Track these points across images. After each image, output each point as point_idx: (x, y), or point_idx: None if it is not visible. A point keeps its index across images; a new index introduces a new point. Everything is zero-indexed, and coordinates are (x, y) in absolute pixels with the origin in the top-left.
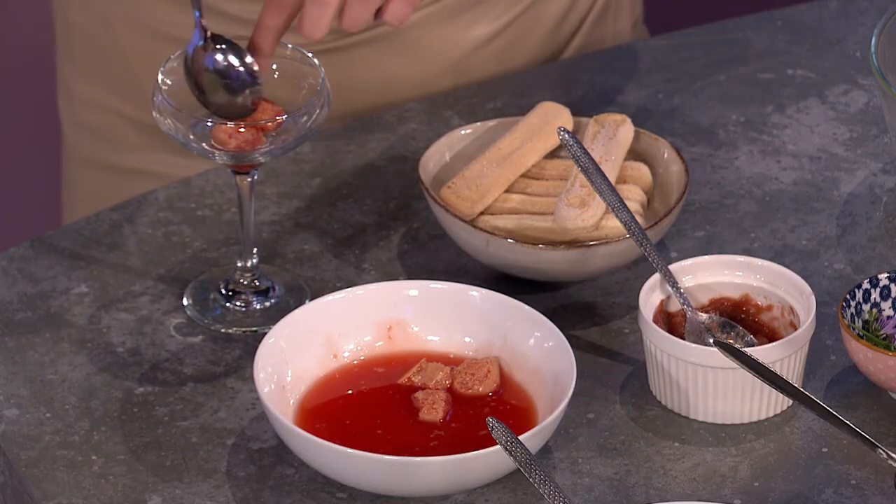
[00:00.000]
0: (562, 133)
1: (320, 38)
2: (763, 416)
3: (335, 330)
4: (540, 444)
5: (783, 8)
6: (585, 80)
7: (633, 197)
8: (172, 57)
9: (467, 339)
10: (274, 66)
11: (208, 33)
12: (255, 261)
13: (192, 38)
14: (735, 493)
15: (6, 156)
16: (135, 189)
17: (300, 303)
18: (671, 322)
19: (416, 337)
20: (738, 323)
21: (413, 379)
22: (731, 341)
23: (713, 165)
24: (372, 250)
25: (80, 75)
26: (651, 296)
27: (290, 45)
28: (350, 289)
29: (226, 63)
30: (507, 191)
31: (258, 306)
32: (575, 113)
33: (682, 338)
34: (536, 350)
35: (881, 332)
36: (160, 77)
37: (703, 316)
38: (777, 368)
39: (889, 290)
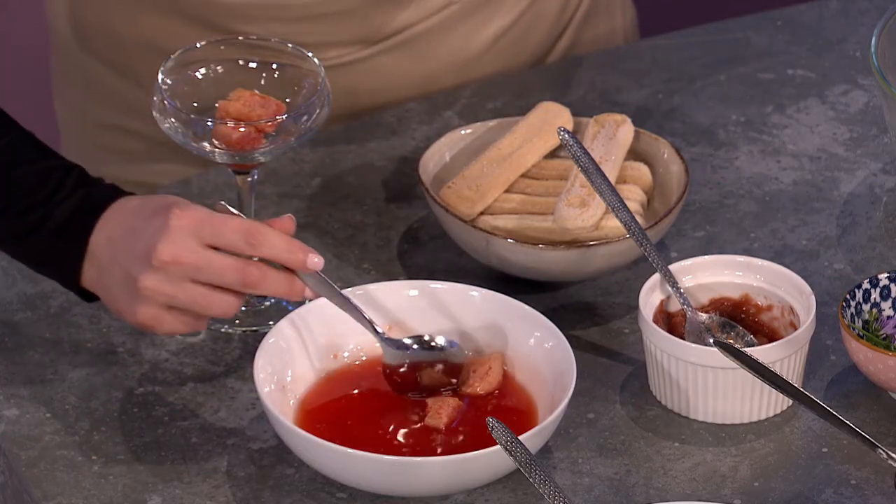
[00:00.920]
0: (562, 133)
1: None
2: (763, 416)
3: (335, 330)
4: (540, 444)
5: (783, 8)
6: (585, 80)
7: (633, 197)
8: (172, 56)
9: (467, 340)
10: (274, 66)
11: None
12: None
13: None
14: (735, 493)
15: None
16: None
17: (300, 303)
18: (671, 322)
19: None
20: (738, 323)
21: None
22: (731, 341)
23: (713, 165)
24: (372, 250)
25: (77, 87)
26: (651, 296)
27: (290, 45)
28: (350, 289)
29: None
30: (507, 191)
31: (258, 306)
32: (575, 113)
33: (682, 338)
34: (536, 350)
35: (881, 332)
36: (160, 77)
37: (703, 316)
38: (777, 368)
39: (889, 290)
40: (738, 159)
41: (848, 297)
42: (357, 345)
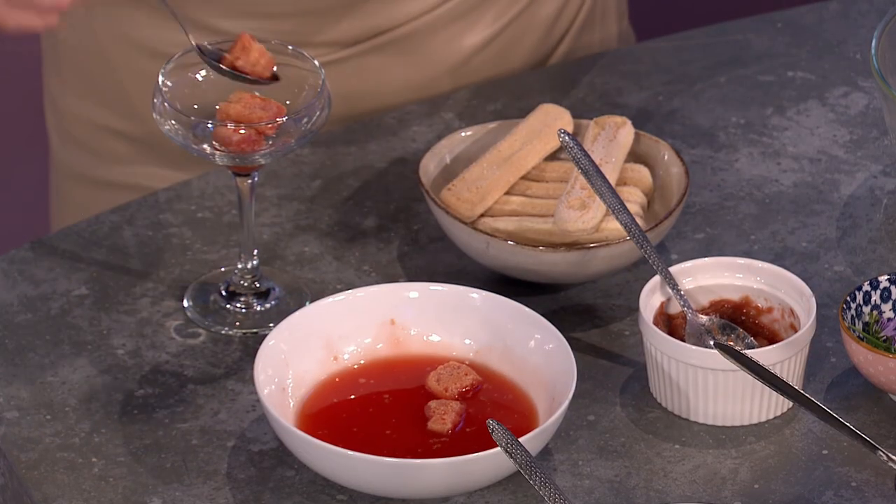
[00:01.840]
0: (562, 135)
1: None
2: (763, 419)
3: (335, 332)
4: (540, 446)
5: (783, 10)
6: (586, 83)
7: (634, 199)
8: (173, 59)
9: (467, 342)
10: (275, 69)
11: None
12: (255, 263)
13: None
14: (735, 496)
15: (6, 157)
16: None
17: (300, 304)
18: (671, 324)
19: (417, 339)
20: (739, 325)
21: (430, 385)
22: (732, 343)
23: (713, 167)
24: (372, 252)
25: (67, 89)
26: (651, 298)
27: (290, 47)
28: (350, 291)
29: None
30: (507, 193)
31: (258, 308)
32: (575, 115)
33: (683, 340)
34: (537, 352)
35: (881, 334)
36: (160, 79)
37: (704, 318)
38: (777, 370)
39: (889, 292)
40: (738, 161)
41: (848, 299)
42: (357, 347)
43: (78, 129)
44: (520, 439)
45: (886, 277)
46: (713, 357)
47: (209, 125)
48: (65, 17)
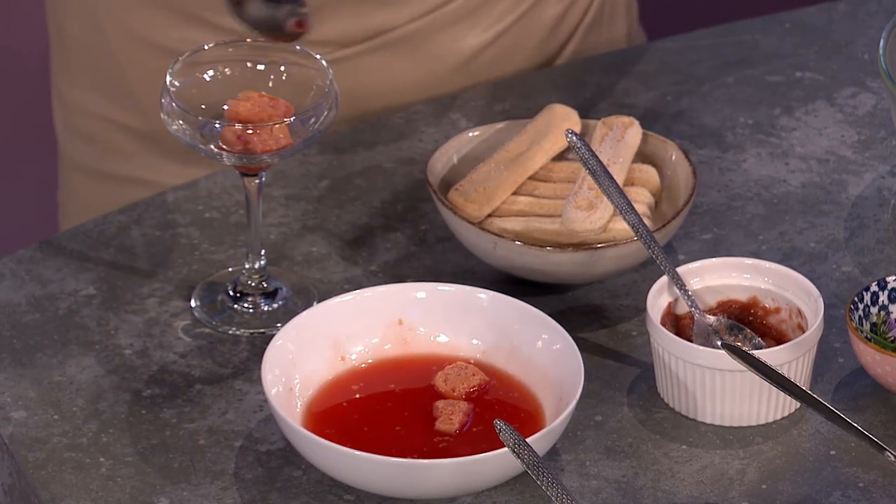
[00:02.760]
0: (570, 135)
1: None
2: (771, 419)
3: (343, 332)
4: (547, 446)
5: (791, 10)
6: (593, 83)
7: (641, 199)
8: (180, 58)
9: (475, 342)
10: (282, 68)
11: None
12: (262, 263)
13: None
14: (743, 496)
15: (13, 157)
16: (132, 197)
17: (308, 305)
18: (679, 324)
19: (424, 339)
20: (746, 325)
21: (438, 385)
22: (739, 344)
23: (721, 168)
24: (379, 252)
25: (74, 83)
26: (659, 298)
27: (297, 47)
28: (358, 291)
29: None
30: (514, 193)
31: (266, 308)
32: (583, 115)
33: (690, 340)
34: (544, 352)
35: (889, 335)
36: (168, 79)
37: (711, 318)
38: (785, 371)
39: None
40: (745, 162)
41: (856, 299)
42: (364, 347)
43: (84, 123)
44: (527, 439)
45: (894, 278)
46: (721, 357)
47: (216, 125)
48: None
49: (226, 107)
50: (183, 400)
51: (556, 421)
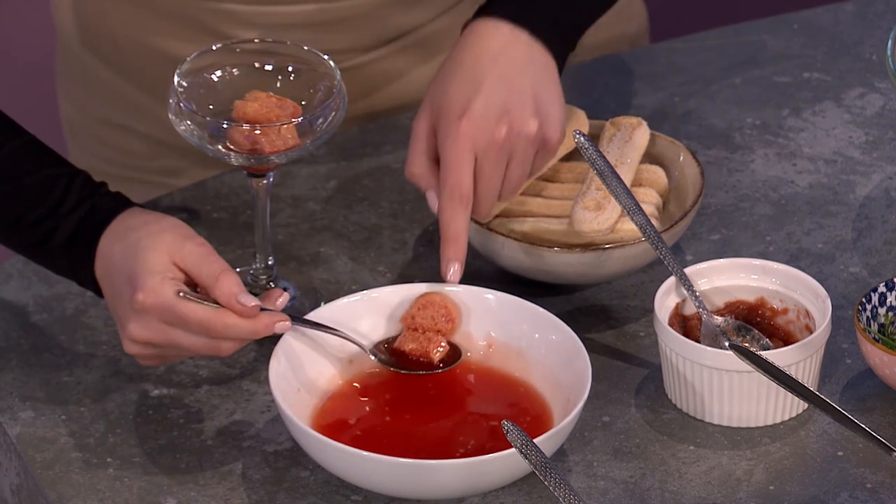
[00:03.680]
0: (577, 136)
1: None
2: (778, 420)
3: (350, 332)
4: (555, 447)
5: (799, 11)
6: (601, 83)
7: (649, 200)
8: (188, 59)
9: (482, 342)
10: (289, 69)
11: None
12: (270, 263)
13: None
14: (750, 497)
15: None
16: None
17: (315, 305)
18: (686, 325)
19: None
20: (754, 326)
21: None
22: (747, 344)
23: (729, 168)
24: (388, 253)
25: (78, 84)
26: (666, 299)
27: (305, 47)
28: (365, 291)
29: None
30: (522, 194)
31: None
32: (591, 116)
33: (698, 341)
34: (552, 353)
35: None
36: (176, 79)
37: (719, 319)
38: (792, 372)
39: None
40: (753, 162)
41: (863, 300)
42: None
43: (91, 125)
44: (535, 440)
45: None
46: (728, 358)
47: (224, 125)
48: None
49: (234, 107)
50: (190, 400)
51: (563, 422)
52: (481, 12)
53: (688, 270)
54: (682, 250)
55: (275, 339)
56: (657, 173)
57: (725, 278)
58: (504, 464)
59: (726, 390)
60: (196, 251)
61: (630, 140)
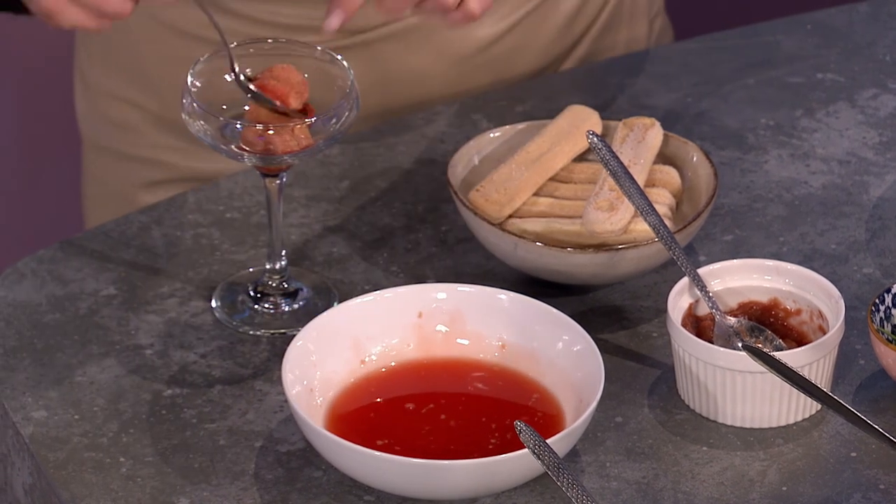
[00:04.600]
0: (591, 136)
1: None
2: (791, 421)
3: (363, 332)
4: (568, 447)
5: (813, 12)
6: (614, 84)
7: (662, 200)
8: (201, 59)
9: (495, 343)
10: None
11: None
12: (283, 263)
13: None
14: (763, 498)
15: (34, 158)
16: (150, 177)
17: (328, 305)
18: (700, 326)
19: (444, 340)
20: (767, 327)
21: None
22: (760, 345)
23: (742, 169)
24: (400, 253)
25: (94, 63)
26: (679, 299)
27: (318, 48)
28: (378, 291)
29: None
30: (535, 194)
31: (286, 308)
32: (604, 116)
33: (711, 342)
34: (564, 353)
35: None
36: (189, 79)
37: (732, 320)
38: (806, 372)
39: None
40: (767, 163)
41: (877, 301)
42: (385, 347)
43: (103, 103)
44: (547, 441)
45: None
46: (741, 359)
47: (238, 126)
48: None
49: (247, 107)
50: (203, 400)
51: (576, 422)
52: None
53: (701, 271)
54: (695, 251)
55: (287, 340)
56: (670, 174)
57: (738, 279)
58: (517, 464)
59: (739, 391)
60: None
61: (643, 140)
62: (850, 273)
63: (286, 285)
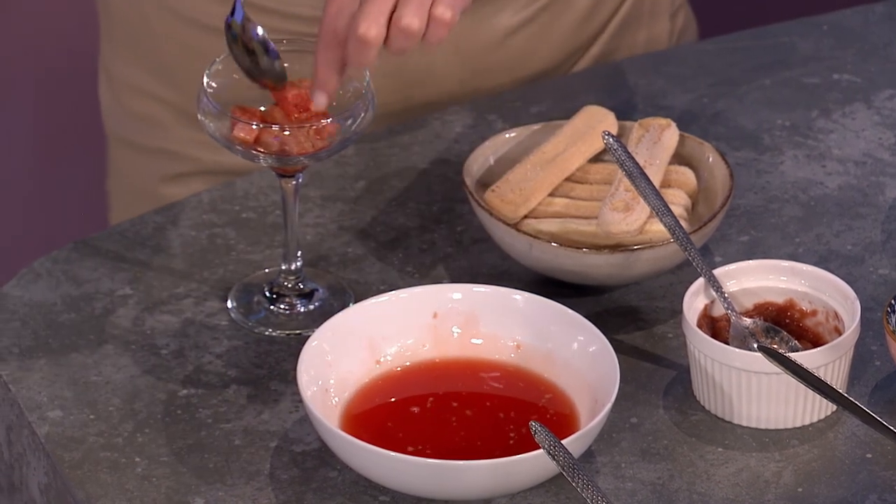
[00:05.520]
0: (606, 137)
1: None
2: (807, 422)
3: (378, 333)
4: (583, 448)
5: (829, 13)
6: (630, 84)
7: (678, 201)
8: (218, 60)
9: (510, 343)
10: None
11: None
12: (299, 263)
13: (235, 10)
14: (778, 499)
15: (52, 158)
16: (174, 170)
17: (344, 305)
18: (715, 327)
19: (459, 341)
20: (783, 328)
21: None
22: (776, 346)
23: (758, 170)
24: (415, 253)
25: (118, 56)
26: (695, 300)
27: None
28: (393, 292)
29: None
30: (550, 194)
31: (302, 309)
32: (619, 117)
33: (726, 342)
34: (580, 354)
35: None
36: (205, 80)
37: (748, 321)
38: (821, 374)
39: None
40: (783, 164)
41: (893, 302)
42: (400, 348)
43: (125, 96)
44: (563, 441)
45: None
46: (757, 360)
47: (253, 126)
48: None
49: (263, 108)
50: (218, 400)
51: (591, 423)
52: None
53: (716, 272)
54: (710, 252)
55: (303, 340)
56: (686, 174)
57: (754, 280)
58: (532, 465)
59: (755, 392)
60: None
61: (659, 141)
62: (866, 274)
63: (302, 286)
